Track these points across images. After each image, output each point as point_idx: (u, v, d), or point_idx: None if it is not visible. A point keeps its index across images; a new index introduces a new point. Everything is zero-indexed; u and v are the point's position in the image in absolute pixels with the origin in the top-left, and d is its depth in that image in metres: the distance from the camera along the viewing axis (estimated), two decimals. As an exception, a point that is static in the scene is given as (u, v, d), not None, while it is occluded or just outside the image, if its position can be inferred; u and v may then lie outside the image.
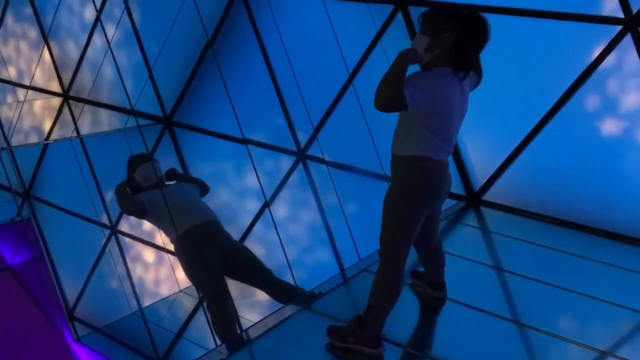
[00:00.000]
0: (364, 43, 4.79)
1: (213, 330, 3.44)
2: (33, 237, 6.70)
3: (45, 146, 7.07)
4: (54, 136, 7.20)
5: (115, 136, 6.36)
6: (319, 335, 2.64)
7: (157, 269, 6.51)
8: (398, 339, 2.70)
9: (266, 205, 5.63)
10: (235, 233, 5.23)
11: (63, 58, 7.23)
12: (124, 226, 6.69)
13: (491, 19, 4.04)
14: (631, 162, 3.89)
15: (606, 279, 3.49)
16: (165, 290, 6.42)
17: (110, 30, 6.51)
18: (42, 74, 7.57)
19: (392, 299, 2.45)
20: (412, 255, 2.83)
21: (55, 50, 7.28)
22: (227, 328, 3.41)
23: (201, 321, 5.38)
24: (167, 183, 3.99)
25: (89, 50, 6.82)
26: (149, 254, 6.57)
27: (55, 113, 7.29)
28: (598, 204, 4.09)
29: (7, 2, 7.64)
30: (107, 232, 6.71)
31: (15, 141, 6.86)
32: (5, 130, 6.91)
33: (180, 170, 5.74)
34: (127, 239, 6.71)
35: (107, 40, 6.55)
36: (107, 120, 6.93)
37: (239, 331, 3.65)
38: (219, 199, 5.70)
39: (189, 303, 5.97)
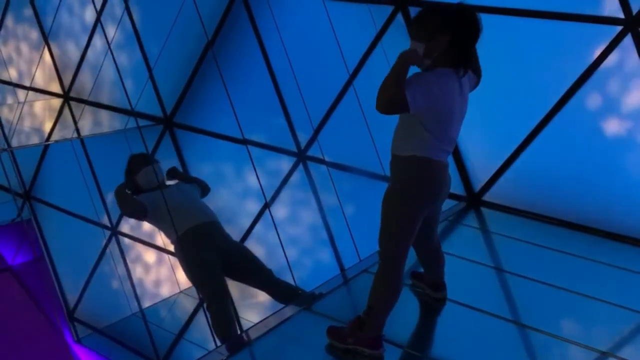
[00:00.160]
0: (364, 44, 4.80)
1: (213, 331, 3.43)
2: (33, 238, 6.70)
3: (46, 147, 7.08)
4: (54, 137, 7.21)
5: (115, 137, 6.36)
6: (319, 336, 2.64)
7: (157, 270, 6.51)
8: (398, 339, 2.70)
9: (266, 206, 5.63)
10: (235, 234, 5.23)
11: (63, 59, 7.24)
12: (124, 227, 6.69)
13: (492, 19, 4.09)
14: (632, 163, 3.88)
15: (607, 279, 3.49)
16: (165, 291, 6.41)
17: (111, 31, 6.51)
18: (42, 75, 7.58)
19: (391, 299, 2.45)
20: (412, 256, 2.82)
21: (55, 51, 7.29)
22: (227, 329, 3.41)
23: (201, 322, 5.38)
24: (167, 182, 3.99)
25: (90, 51, 6.83)
26: (149, 255, 6.57)
27: (55, 114, 7.29)
28: (599, 204, 4.08)
29: (7, 3, 7.65)
30: (108, 233, 6.71)
31: (15, 142, 6.87)
32: (6, 131, 6.92)
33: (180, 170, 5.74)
34: (127, 240, 6.71)
35: (107, 41, 6.55)
36: (108, 121, 6.93)
37: (239, 332, 3.64)
38: (219, 200, 5.69)
39: (189, 304, 5.97)
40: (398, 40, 4.58)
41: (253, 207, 5.80)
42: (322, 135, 5.22)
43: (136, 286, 6.41)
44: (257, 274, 3.71)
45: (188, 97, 6.16)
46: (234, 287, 3.91)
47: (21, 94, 7.87)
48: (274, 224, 5.24)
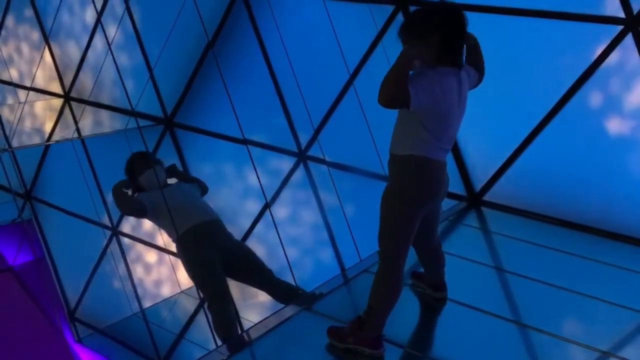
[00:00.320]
0: (365, 43, 4.79)
1: (214, 331, 3.43)
2: (34, 238, 6.70)
3: (47, 147, 7.08)
4: (55, 137, 7.21)
5: (116, 137, 6.36)
6: (320, 335, 2.64)
7: (158, 270, 6.51)
8: (398, 339, 2.69)
9: (267, 206, 5.63)
10: (236, 233, 5.22)
11: (64, 59, 7.24)
12: (125, 227, 6.69)
13: (494, 19, 4.08)
14: (633, 162, 3.88)
15: (608, 279, 3.49)
16: (166, 291, 6.42)
17: (111, 31, 6.52)
18: (43, 75, 7.58)
19: (392, 299, 2.45)
20: (413, 256, 2.82)
21: (56, 51, 7.29)
22: (228, 328, 3.41)
23: (202, 322, 5.38)
24: (168, 181, 3.99)
25: (90, 51, 6.83)
26: (150, 255, 6.57)
27: (56, 114, 7.30)
28: (600, 204, 4.08)
29: (8, 3, 7.65)
30: (109, 233, 6.71)
31: (16, 142, 6.87)
32: (7, 132, 6.92)
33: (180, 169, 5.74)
34: (128, 240, 6.71)
35: (108, 41, 6.56)
36: (108, 121, 6.94)
37: (239, 332, 3.64)
38: (220, 200, 5.69)
39: (190, 304, 5.97)
40: (398, 40, 4.58)
41: (254, 207, 5.80)
42: (323, 135, 5.22)
43: (137, 286, 6.41)
44: (257, 274, 3.71)
45: (188, 97, 6.16)
46: (235, 287, 3.91)
47: (22, 94, 7.88)
48: (274, 224, 5.24)
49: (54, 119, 7.29)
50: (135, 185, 3.83)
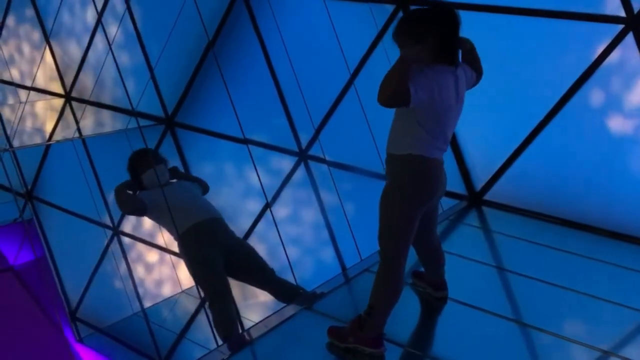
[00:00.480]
0: (365, 43, 4.79)
1: (215, 330, 3.44)
2: (35, 237, 6.70)
3: (48, 147, 7.08)
4: (56, 137, 7.21)
5: (117, 137, 6.37)
6: (321, 335, 2.64)
7: (159, 270, 6.52)
8: (399, 338, 2.70)
9: (267, 206, 5.63)
10: (236, 233, 5.22)
11: (65, 59, 7.24)
12: (126, 227, 6.69)
13: (495, 18, 4.08)
14: (634, 161, 3.88)
15: (609, 278, 3.49)
16: (167, 291, 6.42)
17: (112, 31, 6.52)
18: (44, 75, 7.58)
19: (392, 299, 2.45)
20: (413, 256, 2.82)
21: (57, 51, 7.29)
22: (228, 328, 3.41)
23: (203, 321, 5.38)
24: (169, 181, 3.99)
25: (91, 51, 6.83)
26: (151, 255, 6.58)
27: (57, 114, 7.30)
28: (601, 203, 4.08)
29: (9, 3, 7.66)
30: (110, 232, 6.71)
31: (17, 142, 6.88)
32: (8, 131, 6.92)
33: (182, 170, 5.74)
34: (129, 240, 6.71)
35: (108, 41, 6.56)
36: (109, 121, 6.94)
37: (240, 331, 3.64)
38: (220, 199, 5.69)
39: (190, 303, 5.97)
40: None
41: (254, 206, 5.80)
42: (323, 134, 5.22)
43: (138, 286, 6.41)
44: (259, 273, 3.71)
45: (189, 97, 6.16)
46: (236, 287, 3.91)
47: (23, 94, 7.88)
48: (275, 224, 5.24)
49: (55, 118, 7.29)
50: (138, 183, 3.83)
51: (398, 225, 2.40)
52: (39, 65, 7.55)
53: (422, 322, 2.97)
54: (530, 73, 4.14)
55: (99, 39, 6.71)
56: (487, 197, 4.55)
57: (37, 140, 7.30)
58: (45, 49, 7.35)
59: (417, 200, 2.39)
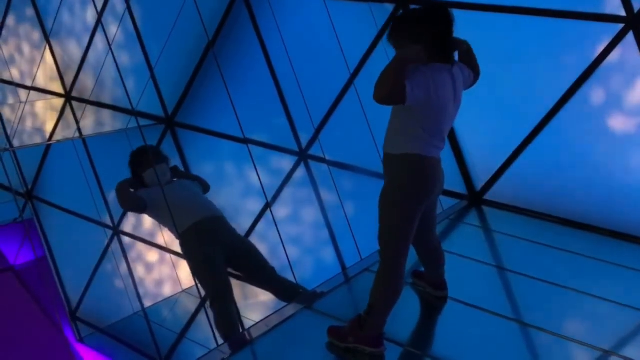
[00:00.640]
0: (365, 42, 4.79)
1: (215, 329, 3.43)
2: (35, 237, 6.70)
3: (48, 147, 7.08)
4: (56, 137, 7.21)
5: (117, 137, 6.37)
6: (321, 334, 2.64)
7: (159, 269, 6.52)
8: (399, 338, 2.69)
9: (267, 206, 5.63)
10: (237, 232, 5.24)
11: (65, 58, 7.24)
12: (126, 226, 6.69)
13: (494, 17, 4.08)
14: (635, 160, 3.87)
15: (610, 278, 3.48)
16: (167, 290, 6.42)
17: (112, 30, 6.52)
18: (44, 75, 7.59)
19: (392, 298, 2.45)
20: (414, 255, 2.82)
21: (57, 51, 7.29)
22: (229, 327, 3.41)
23: (203, 321, 5.38)
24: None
25: (91, 50, 6.83)
26: (151, 254, 6.58)
27: (57, 114, 7.30)
28: (602, 202, 4.07)
29: (9, 3, 7.66)
30: (110, 232, 6.71)
31: (17, 142, 6.88)
32: (8, 131, 6.92)
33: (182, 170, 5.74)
34: (129, 239, 6.71)
35: (108, 41, 6.56)
36: (110, 121, 6.94)
37: (241, 330, 3.64)
38: (221, 199, 5.70)
39: (191, 303, 5.97)
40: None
41: (255, 205, 5.80)
42: (323, 134, 5.22)
43: (138, 285, 6.41)
44: (259, 271, 3.71)
45: (189, 97, 6.16)
46: (237, 287, 3.91)
47: (23, 93, 7.88)
48: (275, 223, 5.24)
49: (55, 118, 7.29)
50: (139, 180, 3.82)
51: (397, 225, 2.40)
52: (39, 65, 7.55)
53: (422, 321, 2.97)
54: (530, 72, 4.14)
55: (99, 38, 6.71)
56: (488, 196, 4.55)
57: (37, 140, 7.30)
58: (45, 48, 7.35)
59: (415, 199, 2.39)
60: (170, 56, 6.10)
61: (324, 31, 4.78)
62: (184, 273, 6.08)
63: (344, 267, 4.77)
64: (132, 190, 3.79)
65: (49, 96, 7.54)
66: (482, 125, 4.44)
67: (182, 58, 6.08)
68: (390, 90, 2.16)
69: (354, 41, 4.81)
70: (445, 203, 4.54)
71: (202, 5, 5.05)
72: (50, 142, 7.12)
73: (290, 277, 3.92)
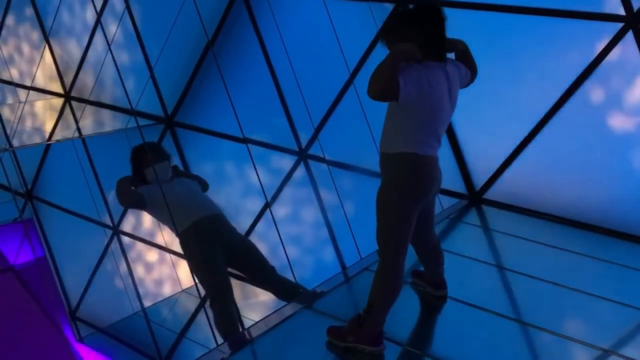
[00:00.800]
0: (365, 42, 4.79)
1: (215, 329, 3.43)
2: (35, 237, 6.70)
3: (47, 147, 7.08)
4: (55, 137, 7.21)
5: (117, 136, 6.36)
6: (320, 334, 2.64)
7: (159, 269, 6.52)
8: (398, 337, 2.69)
9: (267, 206, 5.63)
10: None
11: (64, 58, 7.24)
12: (126, 226, 6.69)
13: (494, 17, 4.08)
14: (635, 159, 3.87)
15: (609, 277, 3.49)
16: (167, 290, 6.42)
17: (112, 30, 6.52)
18: (43, 75, 7.58)
19: (391, 297, 2.45)
20: (413, 255, 2.82)
21: (56, 51, 7.29)
22: (229, 327, 3.41)
23: (203, 321, 5.38)
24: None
25: (91, 50, 6.83)
26: (151, 254, 6.58)
27: (56, 113, 7.30)
28: (601, 201, 4.07)
29: (8, 2, 7.65)
30: (110, 232, 6.71)
31: (17, 142, 6.87)
32: (7, 131, 6.92)
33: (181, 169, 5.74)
34: (128, 239, 6.71)
35: (107, 41, 6.55)
36: (109, 121, 6.94)
37: (240, 330, 3.64)
38: (221, 198, 5.69)
39: (191, 303, 5.97)
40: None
41: (254, 205, 5.80)
42: (323, 133, 5.22)
43: (138, 285, 6.41)
44: (259, 271, 3.70)
45: (189, 97, 6.16)
46: (236, 286, 3.91)
47: (22, 93, 7.87)
48: (275, 223, 5.24)
49: (55, 118, 7.29)
50: (140, 176, 3.81)
51: (395, 224, 2.40)
52: (38, 65, 7.54)
53: (422, 321, 2.97)
54: (530, 72, 4.14)
55: (98, 38, 6.70)
56: (487, 195, 4.55)
57: (37, 139, 7.30)
58: (44, 48, 7.34)
59: (412, 198, 2.40)
60: (169, 56, 6.10)
61: (324, 31, 4.78)
62: (184, 273, 6.08)
63: (343, 267, 4.77)
64: (132, 187, 3.78)
65: (49, 96, 7.53)
66: (481, 124, 4.44)
67: (181, 58, 6.07)
68: (383, 86, 2.16)
69: (353, 41, 4.81)
70: (445, 202, 4.54)
71: (201, 5, 5.05)
72: (50, 142, 7.12)
73: (290, 277, 3.92)
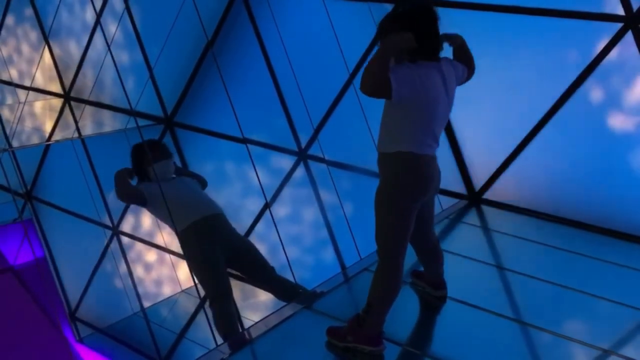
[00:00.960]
0: (364, 42, 4.79)
1: (215, 329, 3.43)
2: (35, 238, 6.70)
3: (47, 147, 7.08)
4: (55, 137, 7.21)
5: (116, 137, 6.37)
6: (320, 334, 2.64)
7: (159, 269, 6.52)
8: (398, 337, 2.69)
9: (267, 206, 5.63)
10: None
11: (64, 59, 7.24)
12: (125, 226, 6.69)
13: (493, 17, 4.08)
14: (635, 159, 3.87)
15: (610, 277, 3.48)
16: (167, 291, 6.42)
17: (111, 30, 6.52)
18: (42, 75, 7.58)
19: (391, 297, 2.45)
20: (413, 255, 2.82)
21: (56, 51, 7.29)
22: (229, 327, 3.40)
23: (203, 321, 5.38)
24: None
25: (90, 50, 6.83)
26: (150, 254, 6.58)
27: (56, 114, 7.30)
28: (601, 201, 4.07)
29: (8, 3, 7.65)
30: (109, 232, 6.71)
31: (16, 142, 6.87)
32: (7, 131, 6.92)
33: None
34: (128, 239, 6.71)
35: (107, 41, 6.55)
36: (109, 121, 6.94)
37: (240, 330, 3.64)
38: (220, 199, 5.70)
39: (190, 303, 5.97)
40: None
41: (254, 205, 5.80)
42: (323, 134, 5.22)
43: (137, 285, 6.41)
44: (259, 271, 3.70)
45: (188, 97, 6.16)
46: (236, 286, 3.91)
47: (22, 93, 7.88)
48: (274, 223, 5.24)
49: (54, 118, 7.29)
50: (143, 173, 3.79)
51: (393, 223, 2.40)
52: (37, 65, 7.54)
53: (422, 321, 2.97)
54: (529, 71, 4.14)
55: (98, 38, 6.71)
56: (487, 196, 4.55)
57: (36, 140, 7.30)
58: (44, 48, 7.34)
59: (410, 197, 2.39)
60: (169, 56, 6.10)
61: (323, 31, 4.78)
62: (184, 273, 6.08)
63: (343, 267, 4.77)
64: (130, 180, 3.74)
65: (48, 96, 7.53)
66: (481, 124, 4.44)
67: (181, 58, 6.08)
68: (373, 80, 2.16)
69: (353, 41, 4.81)
70: (444, 202, 4.54)
71: (201, 5, 5.05)
72: (49, 143, 7.12)
73: (290, 277, 3.91)
